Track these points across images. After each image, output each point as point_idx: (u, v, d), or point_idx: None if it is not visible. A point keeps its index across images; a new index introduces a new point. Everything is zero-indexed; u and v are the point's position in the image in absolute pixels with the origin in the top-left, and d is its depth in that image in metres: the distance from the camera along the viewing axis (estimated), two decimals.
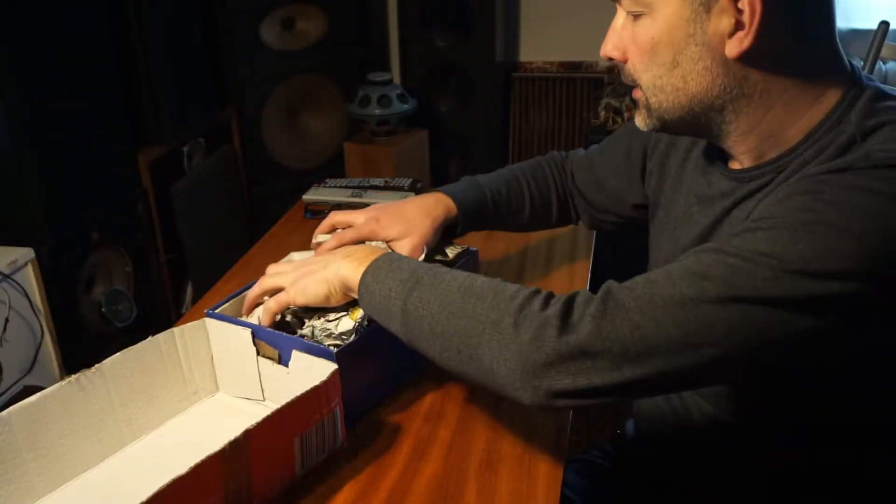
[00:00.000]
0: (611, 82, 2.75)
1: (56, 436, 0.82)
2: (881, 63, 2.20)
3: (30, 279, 1.67)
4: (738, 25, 0.74)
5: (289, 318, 0.95)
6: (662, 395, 0.96)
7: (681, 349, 0.69)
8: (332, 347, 0.87)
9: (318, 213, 1.52)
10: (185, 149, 2.24)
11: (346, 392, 0.85)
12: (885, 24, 1.97)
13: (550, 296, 0.75)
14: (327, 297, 0.90)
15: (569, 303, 0.73)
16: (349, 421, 0.88)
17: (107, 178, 1.91)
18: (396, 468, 0.87)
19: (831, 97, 0.78)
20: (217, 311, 0.96)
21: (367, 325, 0.90)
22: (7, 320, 1.59)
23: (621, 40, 0.82)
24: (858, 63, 0.80)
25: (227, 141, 2.50)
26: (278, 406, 0.77)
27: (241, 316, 0.97)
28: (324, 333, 0.91)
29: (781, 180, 0.78)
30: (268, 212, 2.33)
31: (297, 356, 0.87)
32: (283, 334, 0.91)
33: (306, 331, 0.92)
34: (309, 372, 0.84)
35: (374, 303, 0.84)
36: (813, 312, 0.67)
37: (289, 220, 1.55)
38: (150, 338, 0.91)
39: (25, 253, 1.66)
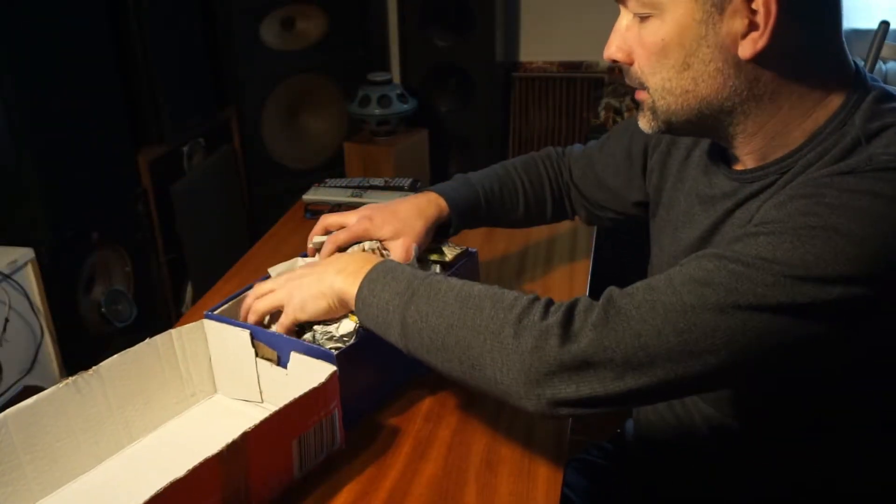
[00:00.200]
0: (611, 82, 2.75)
1: (53, 438, 0.82)
2: (881, 63, 2.20)
3: (30, 279, 1.68)
4: (751, 26, 0.73)
5: None
6: (666, 402, 0.95)
7: (682, 357, 0.68)
8: (333, 350, 0.87)
9: (318, 213, 1.51)
10: (185, 149, 2.23)
11: (347, 394, 0.85)
12: (885, 24, 1.97)
13: (550, 303, 0.75)
14: (328, 312, 0.90)
15: (569, 311, 0.73)
16: (348, 423, 0.88)
17: (107, 178, 1.91)
18: (396, 469, 0.86)
19: (836, 99, 0.77)
20: (216, 312, 0.96)
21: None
22: (7, 320, 1.59)
23: (625, 42, 0.81)
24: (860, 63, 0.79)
25: (227, 141, 2.50)
26: (276, 408, 0.77)
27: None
28: (325, 336, 0.90)
29: (785, 182, 0.78)
30: (268, 212, 2.33)
31: (295, 358, 0.87)
32: (282, 336, 0.90)
33: (307, 335, 0.92)
34: (307, 374, 0.84)
35: (372, 316, 0.84)
36: (814, 317, 0.67)
37: (289, 220, 1.55)
38: (147, 340, 0.90)
39: (25, 253, 1.66)
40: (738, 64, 0.75)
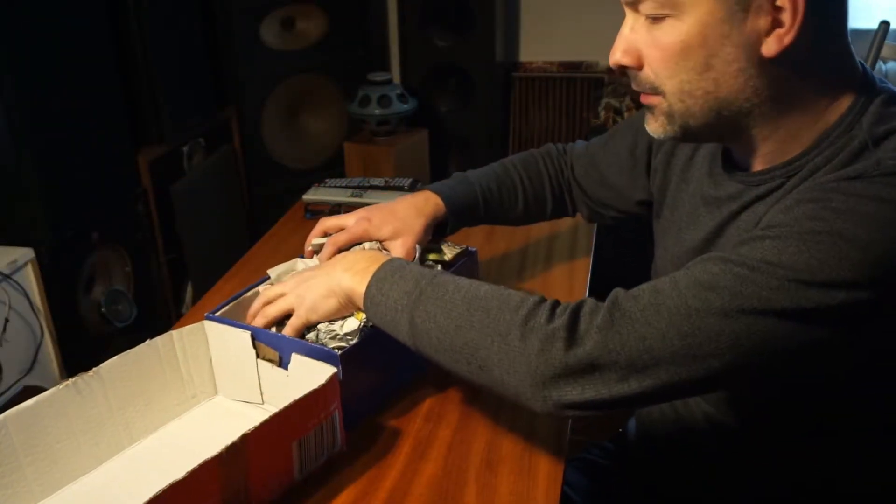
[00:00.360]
0: (611, 82, 2.75)
1: (53, 439, 0.82)
2: (881, 63, 2.20)
3: (30, 279, 1.68)
4: (774, 23, 0.72)
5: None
6: (669, 402, 0.95)
7: (686, 360, 0.69)
8: (336, 350, 0.87)
9: (318, 213, 1.51)
10: (185, 149, 2.23)
11: (350, 394, 0.85)
12: (885, 24, 1.97)
13: (556, 304, 0.75)
14: (338, 310, 0.90)
15: (575, 313, 0.72)
16: (350, 424, 0.88)
17: (107, 178, 1.91)
18: (396, 468, 0.86)
19: (845, 101, 0.77)
20: (217, 314, 0.96)
21: (371, 326, 0.90)
22: (7, 320, 1.59)
23: (633, 46, 0.79)
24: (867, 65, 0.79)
25: (227, 141, 2.50)
26: (277, 410, 0.77)
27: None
28: (329, 335, 0.90)
29: (792, 185, 0.77)
30: (268, 212, 2.33)
31: (296, 359, 0.87)
32: (284, 336, 0.90)
33: (311, 334, 0.92)
34: (308, 375, 0.84)
35: (381, 315, 0.84)
36: (819, 322, 0.67)
37: (289, 220, 1.55)
38: (148, 341, 0.90)
39: (25, 253, 1.66)
40: (760, 63, 0.74)
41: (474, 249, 1.09)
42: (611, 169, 1.12)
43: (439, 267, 1.04)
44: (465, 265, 1.06)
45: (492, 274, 1.27)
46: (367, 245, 1.03)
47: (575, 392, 0.71)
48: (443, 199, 1.08)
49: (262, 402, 0.94)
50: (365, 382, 0.92)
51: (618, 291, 0.74)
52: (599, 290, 0.83)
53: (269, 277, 1.04)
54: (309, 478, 0.84)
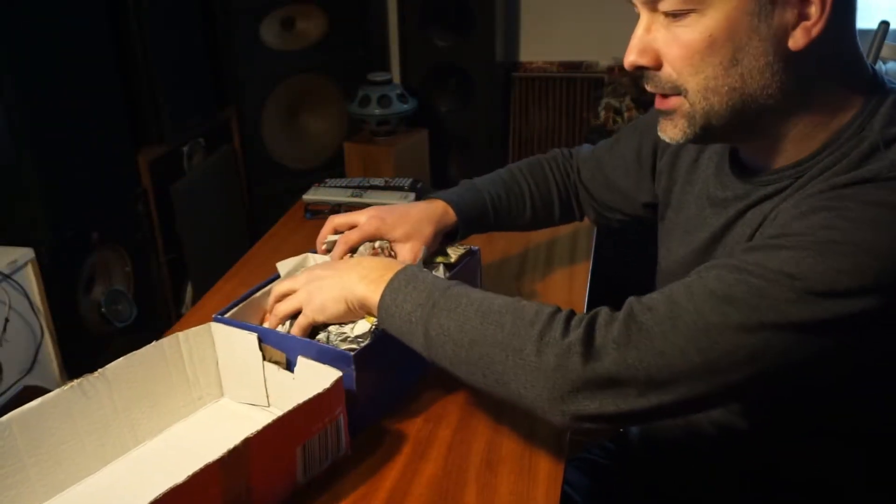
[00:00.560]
0: (611, 82, 2.75)
1: (58, 441, 0.82)
2: (881, 63, 2.20)
3: (30, 279, 1.67)
4: (800, 16, 0.72)
5: None
6: (685, 416, 0.95)
7: (705, 375, 0.69)
8: (348, 352, 0.87)
9: (318, 213, 1.51)
10: (185, 149, 2.23)
11: (361, 396, 0.85)
12: (885, 24, 1.97)
13: (571, 316, 0.75)
14: (347, 315, 0.90)
15: (590, 326, 0.72)
16: (361, 427, 0.88)
17: (107, 178, 1.91)
18: (396, 468, 0.86)
19: (856, 101, 0.77)
20: (226, 315, 0.96)
21: (382, 328, 0.90)
22: (7, 320, 1.59)
23: (650, 46, 0.77)
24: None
25: (227, 141, 2.50)
26: (282, 413, 0.77)
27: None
28: (339, 337, 0.90)
29: (800, 185, 0.77)
30: (268, 212, 2.33)
31: (302, 362, 0.87)
32: (293, 337, 0.90)
33: (321, 335, 0.92)
34: (314, 378, 0.84)
35: (395, 325, 0.84)
36: (835, 331, 0.67)
37: (289, 220, 1.55)
38: (154, 342, 0.90)
39: (25, 253, 1.66)
40: (787, 57, 0.73)
41: (477, 248, 1.10)
42: (616, 172, 1.12)
43: (442, 268, 1.04)
44: (468, 265, 1.07)
45: (492, 276, 1.27)
46: (377, 243, 1.03)
47: (593, 406, 0.71)
48: (453, 207, 1.09)
49: (268, 405, 0.94)
50: (376, 384, 0.92)
51: (632, 301, 0.73)
52: (601, 290, 0.83)
53: (279, 275, 1.05)
54: (312, 479, 0.84)
